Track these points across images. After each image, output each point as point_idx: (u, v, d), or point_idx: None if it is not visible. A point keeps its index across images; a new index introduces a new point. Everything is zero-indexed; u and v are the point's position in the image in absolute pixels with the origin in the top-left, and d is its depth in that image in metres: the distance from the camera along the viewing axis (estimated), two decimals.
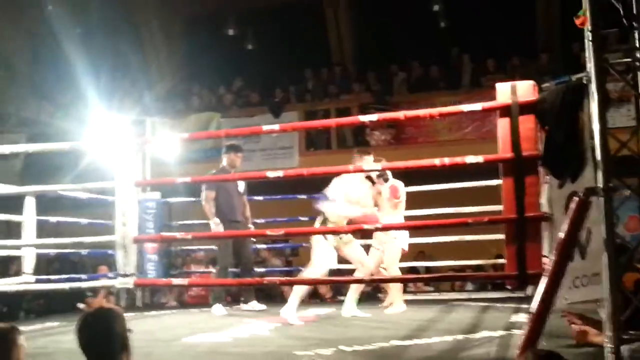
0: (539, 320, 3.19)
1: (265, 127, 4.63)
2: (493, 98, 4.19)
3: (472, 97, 10.91)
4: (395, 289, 6.58)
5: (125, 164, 4.73)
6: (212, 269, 9.09)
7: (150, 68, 13.82)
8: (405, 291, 7.78)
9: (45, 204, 7.53)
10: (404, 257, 8.76)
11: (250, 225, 7.25)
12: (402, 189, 6.59)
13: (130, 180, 4.70)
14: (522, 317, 5.30)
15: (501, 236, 5.82)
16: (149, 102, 11.63)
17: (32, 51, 14.09)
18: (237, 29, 13.79)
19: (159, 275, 7.95)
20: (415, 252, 9.77)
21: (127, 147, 4.78)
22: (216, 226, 6.78)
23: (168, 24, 14.28)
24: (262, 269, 8.74)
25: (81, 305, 8.81)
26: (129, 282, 4.42)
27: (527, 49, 11.61)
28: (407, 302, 6.64)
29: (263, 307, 6.86)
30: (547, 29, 12.28)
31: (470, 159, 4.07)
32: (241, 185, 7.17)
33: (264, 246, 8.99)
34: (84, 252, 8.63)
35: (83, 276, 7.94)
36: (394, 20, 12.64)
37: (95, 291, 7.96)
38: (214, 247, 7.68)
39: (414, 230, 6.89)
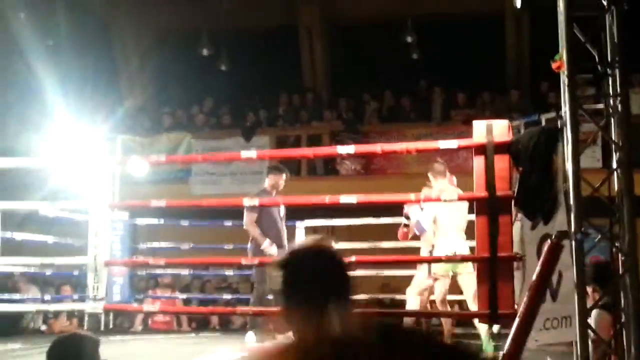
0: None
1: (244, 154, 4.65)
2: (463, 131, 4.28)
3: (442, 129, 11.09)
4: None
5: (98, 184, 4.69)
6: (178, 294, 9.02)
7: (121, 85, 13.74)
8: None
9: (9, 219, 7.42)
10: (368, 292, 8.84)
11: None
12: None
13: (104, 202, 4.66)
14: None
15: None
16: (120, 119, 11.52)
17: None
18: (211, 48, 13.78)
19: (124, 298, 7.85)
20: (380, 284, 9.82)
21: (99, 166, 4.74)
22: (270, 248, 6.41)
23: (141, 40, 14.21)
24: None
25: (43, 327, 8.67)
26: (99, 307, 4.36)
27: (497, 85, 11.82)
28: None
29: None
30: (516, 66, 12.53)
31: (445, 196, 4.11)
32: (282, 210, 6.80)
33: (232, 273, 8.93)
34: (48, 271, 8.49)
35: (47, 297, 7.81)
36: (368, 50, 12.78)
37: (57, 312, 7.84)
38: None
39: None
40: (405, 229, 6.18)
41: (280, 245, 6.48)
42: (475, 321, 5.53)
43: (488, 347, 5.47)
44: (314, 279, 1.99)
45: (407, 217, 6.09)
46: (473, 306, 5.49)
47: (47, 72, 11.17)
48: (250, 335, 6.41)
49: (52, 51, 12.27)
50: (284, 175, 6.76)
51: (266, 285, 6.39)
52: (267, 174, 6.88)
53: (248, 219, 6.54)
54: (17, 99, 12.63)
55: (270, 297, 6.64)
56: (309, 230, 8.63)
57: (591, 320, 3.56)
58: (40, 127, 10.78)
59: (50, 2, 12.36)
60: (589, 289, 3.92)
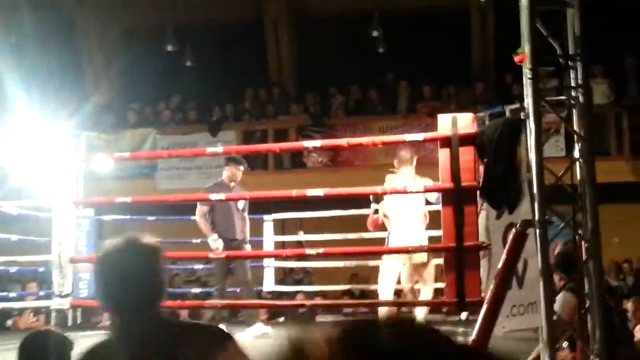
0: (479, 348, 3.28)
1: (209, 150, 4.64)
2: (429, 124, 4.33)
3: (408, 122, 11.18)
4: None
5: (61, 181, 4.65)
6: None
7: (86, 81, 13.59)
8: (340, 313, 7.82)
9: None
10: (338, 282, 8.87)
11: (247, 245, 6.68)
12: None
13: (68, 199, 4.62)
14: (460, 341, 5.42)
15: (438, 261, 6.00)
16: (85, 116, 11.40)
17: None
18: (176, 44, 13.69)
19: (91, 294, 7.78)
20: (349, 274, 9.87)
21: (63, 163, 4.70)
22: (215, 242, 6.31)
23: (107, 36, 14.06)
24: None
25: (9, 323, 8.57)
26: (65, 303, 4.33)
27: (463, 78, 11.95)
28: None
29: (268, 329, 6.31)
30: (481, 59, 12.66)
31: (412, 187, 4.16)
32: (241, 203, 6.65)
33: (201, 266, 8.92)
34: (12, 268, 8.38)
35: (12, 294, 7.72)
36: (335, 43, 12.80)
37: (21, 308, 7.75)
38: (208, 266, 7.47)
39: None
40: (375, 216, 5.96)
41: (231, 239, 6.38)
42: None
43: None
44: (119, 280, 1.99)
45: (376, 202, 5.86)
46: (425, 295, 5.67)
47: (9, 68, 11.00)
48: (259, 326, 6.25)
49: (16, 47, 12.11)
50: (241, 167, 6.67)
51: (223, 278, 6.43)
52: (224, 166, 6.75)
53: (198, 211, 6.49)
54: None
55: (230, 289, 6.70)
56: (277, 222, 8.64)
57: (557, 304, 3.65)
58: (2, 123, 10.63)
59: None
60: (555, 277, 4.01)
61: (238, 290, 6.70)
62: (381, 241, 7.09)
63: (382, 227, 6.00)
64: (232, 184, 6.58)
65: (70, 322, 8.28)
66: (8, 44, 12.16)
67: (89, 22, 13.79)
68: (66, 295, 4.30)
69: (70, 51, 13.41)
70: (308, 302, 4.69)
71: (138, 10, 13.37)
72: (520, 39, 3.76)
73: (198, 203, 6.50)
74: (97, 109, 12.63)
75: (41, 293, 8.06)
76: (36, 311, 8.01)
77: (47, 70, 12.42)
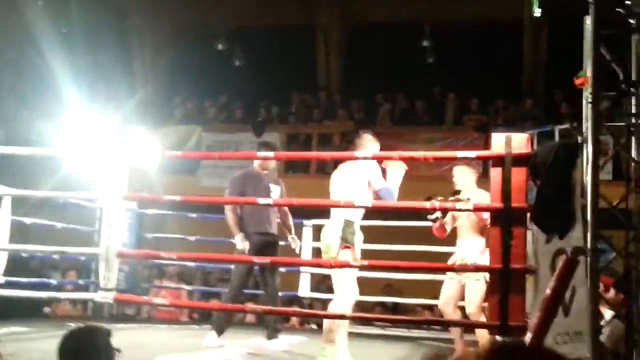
0: None
1: (260, 154, 4.65)
2: (474, 139, 4.26)
3: (454, 134, 11.10)
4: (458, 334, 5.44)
5: (110, 174, 4.70)
6: (184, 285, 9.05)
7: (135, 76, 13.76)
8: (372, 325, 7.71)
9: (19, 204, 7.45)
10: (370, 292, 8.80)
11: (292, 238, 6.22)
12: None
13: (118, 193, 4.67)
14: None
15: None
16: (132, 110, 11.55)
17: (10, 49, 13.94)
18: (226, 44, 13.80)
19: (129, 286, 7.88)
20: (383, 285, 9.80)
21: (111, 156, 4.75)
22: (241, 242, 5.81)
23: (156, 32, 14.23)
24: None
25: (47, 310, 8.71)
26: (109, 297, 4.39)
27: (512, 93, 11.81)
28: (377, 336, 6.60)
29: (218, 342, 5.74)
30: (532, 74, 12.51)
31: (461, 205, 4.12)
32: (276, 190, 6.07)
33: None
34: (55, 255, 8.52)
35: (53, 281, 7.84)
36: (383, 51, 12.77)
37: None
38: None
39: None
40: (436, 225, 5.38)
41: (261, 232, 5.85)
42: None
43: None
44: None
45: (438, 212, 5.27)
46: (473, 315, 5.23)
47: (60, 60, 11.20)
48: (212, 336, 5.72)
49: (67, 40, 12.30)
50: (273, 153, 6.14)
51: (244, 279, 5.92)
52: (257, 152, 6.01)
53: (227, 207, 5.94)
54: (31, 87, 12.66)
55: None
56: (317, 228, 8.59)
57: (604, 335, 3.58)
58: (54, 115, 10.84)
59: None
60: (602, 308, 3.93)
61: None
62: (421, 255, 7.03)
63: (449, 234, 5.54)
64: (265, 172, 6.06)
65: (105, 314, 8.44)
66: (58, 34, 12.37)
67: (140, 17, 13.97)
68: (111, 289, 4.35)
69: (119, 45, 13.59)
70: (349, 315, 4.65)
71: (189, 8, 13.51)
72: (573, 56, 3.71)
73: (227, 194, 6.03)
74: (144, 103, 12.80)
75: (80, 282, 8.19)
76: (74, 300, 8.14)
77: (96, 64, 12.61)
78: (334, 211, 4.79)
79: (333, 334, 4.59)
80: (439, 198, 5.03)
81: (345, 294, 4.65)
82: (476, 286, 5.16)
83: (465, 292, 5.29)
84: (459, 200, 4.93)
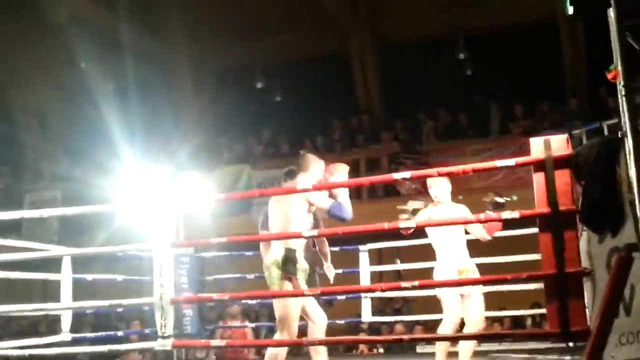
0: None
1: (300, 186, 4.67)
2: (522, 144, 4.21)
3: (501, 143, 10.97)
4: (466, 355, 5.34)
5: (161, 224, 4.78)
6: (248, 323, 9.11)
7: (182, 123, 14.07)
8: None
9: (81, 258, 7.67)
10: (438, 308, 8.66)
11: (327, 267, 6.05)
12: None
13: (167, 241, 4.75)
14: None
15: (537, 286, 5.79)
16: (182, 157, 11.79)
17: (64, 107, 14.43)
18: (265, 81, 14.01)
19: (194, 330, 7.97)
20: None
21: (162, 205, 4.84)
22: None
23: (199, 79, 14.58)
24: None
25: None
26: (168, 344, 4.44)
27: (555, 94, 11.63)
28: (448, 354, 6.49)
29: None
30: (573, 73, 12.31)
31: (507, 214, 4.06)
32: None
33: None
34: (118, 308, 8.68)
35: (119, 333, 7.99)
36: (420, 68, 12.76)
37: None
38: None
39: None
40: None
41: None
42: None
43: None
44: None
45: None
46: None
47: (111, 116, 11.54)
48: None
49: (117, 96, 12.66)
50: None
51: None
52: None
53: None
54: (86, 144, 13.05)
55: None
56: (373, 252, 8.57)
57: None
58: (108, 170, 11.13)
59: (118, 50, 12.78)
60: None
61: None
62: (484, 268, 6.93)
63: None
64: None
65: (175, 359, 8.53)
66: (107, 90, 12.76)
67: (183, 64, 14.32)
68: (169, 337, 4.41)
69: (166, 95, 13.94)
70: (406, 337, 4.63)
71: (228, 52, 13.82)
72: (612, 51, 3.64)
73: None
74: (193, 149, 13.05)
75: (146, 331, 8.31)
76: (142, 350, 8.26)
77: (145, 115, 12.95)
78: (274, 242, 4.62)
79: None
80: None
81: (285, 331, 4.42)
82: (481, 298, 5.26)
83: (472, 306, 5.25)
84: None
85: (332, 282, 6.10)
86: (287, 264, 4.45)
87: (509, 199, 5.12)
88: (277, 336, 4.45)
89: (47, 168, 13.83)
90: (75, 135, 13.54)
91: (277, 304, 4.49)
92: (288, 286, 4.41)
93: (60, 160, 13.57)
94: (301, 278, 4.50)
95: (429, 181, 5.48)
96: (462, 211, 5.36)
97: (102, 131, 11.75)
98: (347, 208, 4.64)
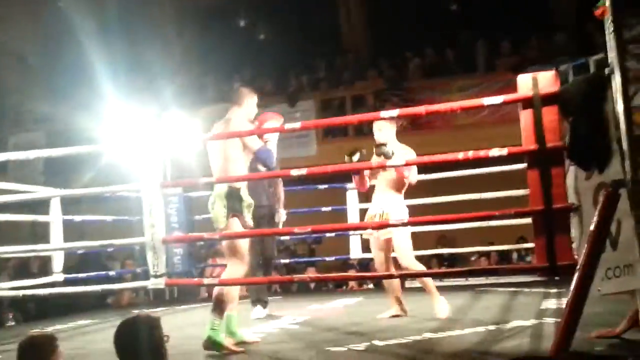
0: (573, 312, 3.24)
1: (287, 126, 4.67)
2: (509, 81, 4.21)
3: (488, 79, 10.94)
4: (430, 286, 5.28)
5: (149, 164, 4.78)
6: None
7: (166, 62, 13.89)
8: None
9: (68, 199, 7.66)
10: (426, 244, 8.79)
11: (281, 211, 6.23)
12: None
13: (155, 181, 4.76)
14: (552, 304, 5.36)
15: (524, 221, 5.87)
16: (166, 97, 11.68)
17: (47, 47, 14.18)
18: (249, 19, 13.80)
19: (185, 268, 8.07)
20: (436, 237, 9.82)
21: (148, 146, 4.83)
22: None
23: (183, 17, 14.34)
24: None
25: (110, 300, 8.98)
26: (161, 283, 4.50)
27: (542, 29, 11.54)
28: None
29: (265, 313, 6.01)
30: (562, 7, 12.19)
31: (495, 152, 4.08)
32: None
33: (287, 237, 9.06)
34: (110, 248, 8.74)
35: (111, 273, 8.07)
36: (406, 5, 12.60)
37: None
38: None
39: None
40: (357, 176, 5.42)
41: (257, 206, 5.01)
42: None
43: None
44: (123, 350, 2.65)
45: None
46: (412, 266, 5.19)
47: (95, 56, 11.36)
48: (258, 309, 5.98)
49: (100, 35, 12.42)
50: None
51: (257, 254, 5.85)
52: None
53: None
54: (68, 83, 12.89)
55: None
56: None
57: None
58: (92, 110, 11.03)
59: None
60: None
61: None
62: (469, 204, 7.01)
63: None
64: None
65: (167, 297, 8.67)
66: (90, 30, 12.52)
67: (166, 3, 14.08)
68: (161, 275, 4.46)
69: (149, 34, 13.71)
70: (397, 273, 4.71)
71: None
72: None
73: None
74: (177, 89, 12.91)
75: (138, 270, 8.40)
76: (135, 288, 8.36)
77: (129, 54, 12.77)
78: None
79: (224, 305, 4.31)
80: (363, 151, 5.08)
81: (238, 263, 4.42)
82: (404, 237, 5.17)
83: (395, 247, 5.25)
84: (383, 153, 5.04)
85: (280, 227, 6.19)
86: (233, 201, 4.43)
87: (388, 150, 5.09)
88: (230, 271, 4.43)
89: (31, 110, 13.68)
90: (57, 75, 13.35)
91: (226, 242, 4.47)
92: (235, 223, 4.40)
93: (43, 101, 13.40)
94: (247, 214, 4.51)
95: (375, 125, 5.42)
96: (408, 154, 5.29)
97: (85, 71, 11.59)
98: (273, 156, 4.61)
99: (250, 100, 4.71)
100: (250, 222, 4.54)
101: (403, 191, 5.42)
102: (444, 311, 5.15)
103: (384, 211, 5.23)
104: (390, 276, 4.87)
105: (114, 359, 2.64)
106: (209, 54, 13.46)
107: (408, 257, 5.23)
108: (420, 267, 5.29)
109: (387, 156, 5.07)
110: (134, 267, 8.78)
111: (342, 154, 5.36)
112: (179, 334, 4.81)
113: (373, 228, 5.08)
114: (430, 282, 5.26)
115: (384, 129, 5.36)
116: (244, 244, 4.47)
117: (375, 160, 5.23)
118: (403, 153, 5.24)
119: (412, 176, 5.34)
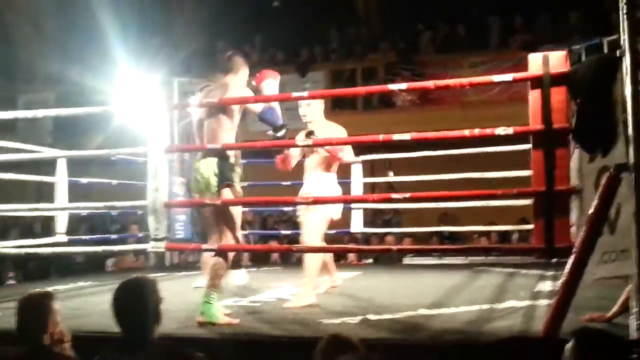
0: (566, 294, 3.24)
1: (294, 94, 4.64)
2: (521, 59, 4.16)
3: (499, 56, 10.84)
4: (311, 273, 4.93)
5: (155, 128, 4.77)
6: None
7: (176, 27, 13.82)
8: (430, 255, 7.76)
9: (75, 161, 7.68)
10: (427, 222, 8.78)
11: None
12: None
13: (161, 146, 4.75)
14: (547, 286, 5.36)
15: (527, 202, 5.85)
16: (176, 62, 11.64)
17: (58, 9, 14.13)
18: None
19: (186, 235, 8.08)
20: (438, 214, 9.81)
21: (156, 110, 4.82)
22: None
23: None
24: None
25: (110, 263, 9.04)
26: (161, 246, 4.50)
27: (556, 7, 11.40)
28: (433, 266, 6.65)
29: (247, 277, 6.09)
30: None
31: (500, 130, 4.05)
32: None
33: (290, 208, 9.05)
34: (113, 211, 8.78)
35: (113, 236, 8.10)
36: None
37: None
38: None
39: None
40: (281, 156, 5.29)
41: None
42: None
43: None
44: (121, 310, 2.68)
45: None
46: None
47: (106, 19, 11.32)
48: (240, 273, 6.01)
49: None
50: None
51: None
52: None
53: None
54: (79, 46, 12.85)
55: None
56: (366, 164, 8.59)
57: None
58: (102, 73, 11.01)
59: None
60: None
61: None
62: (473, 182, 6.99)
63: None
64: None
65: (168, 262, 8.71)
66: None
67: None
68: (162, 239, 4.46)
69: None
70: (395, 247, 4.71)
71: None
72: None
73: None
74: (187, 55, 12.87)
75: (140, 235, 8.45)
76: (136, 252, 8.40)
77: (140, 19, 12.70)
78: (208, 146, 4.46)
79: (219, 279, 4.24)
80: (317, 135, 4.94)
81: (231, 234, 4.35)
82: (312, 216, 4.95)
83: (301, 223, 5.08)
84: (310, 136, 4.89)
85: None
86: (225, 171, 4.37)
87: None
88: (224, 242, 4.38)
89: (41, 70, 13.67)
90: (69, 37, 13.31)
91: (219, 210, 4.41)
92: (228, 193, 4.34)
93: (54, 62, 13.38)
94: (237, 183, 4.46)
95: (303, 101, 5.18)
96: (337, 131, 5.13)
97: (96, 33, 11.54)
98: (278, 113, 4.56)
99: (244, 70, 4.66)
100: (241, 192, 4.50)
101: (333, 169, 5.23)
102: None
103: (310, 192, 5.05)
104: (359, 250, 4.84)
105: (112, 320, 2.66)
106: (222, 20, 13.38)
107: (308, 234, 4.97)
108: (317, 245, 4.99)
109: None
110: (139, 232, 8.83)
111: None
112: (178, 299, 4.86)
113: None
114: (312, 267, 4.91)
115: (313, 104, 5.17)
116: (237, 215, 4.43)
117: (303, 140, 5.00)
118: (334, 131, 5.07)
119: (347, 156, 5.18)
